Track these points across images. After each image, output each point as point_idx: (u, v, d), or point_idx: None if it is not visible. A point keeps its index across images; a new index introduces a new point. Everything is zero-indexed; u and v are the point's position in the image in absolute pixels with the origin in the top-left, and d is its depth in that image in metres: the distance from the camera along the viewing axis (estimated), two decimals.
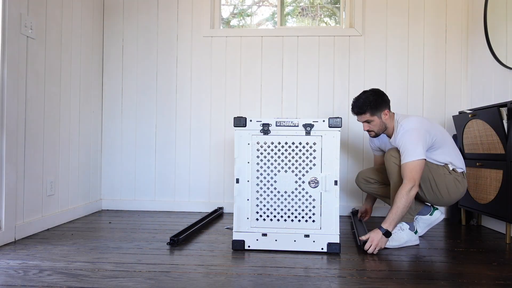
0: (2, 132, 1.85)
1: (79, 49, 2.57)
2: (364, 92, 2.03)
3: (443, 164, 1.94)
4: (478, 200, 2.20)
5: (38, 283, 1.34)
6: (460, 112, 2.39)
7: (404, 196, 1.76)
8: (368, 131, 2.05)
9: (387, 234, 1.78)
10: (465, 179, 1.96)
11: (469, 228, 2.38)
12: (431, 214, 2.07)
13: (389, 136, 2.05)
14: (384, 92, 2.04)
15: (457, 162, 1.95)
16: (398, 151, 1.91)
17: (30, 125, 2.07)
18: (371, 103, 1.96)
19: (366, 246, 1.76)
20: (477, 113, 2.14)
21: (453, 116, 2.44)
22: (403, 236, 1.88)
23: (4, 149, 1.85)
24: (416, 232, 1.95)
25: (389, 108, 2.01)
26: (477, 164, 2.19)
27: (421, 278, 1.45)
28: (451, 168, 1.93)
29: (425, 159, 1.83)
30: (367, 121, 2.00)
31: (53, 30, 2.27)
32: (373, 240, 1.76)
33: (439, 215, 2.08)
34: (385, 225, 1.77)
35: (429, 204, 2.08)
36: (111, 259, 1.63)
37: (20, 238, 1.98)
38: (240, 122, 1.83)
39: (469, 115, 2.22)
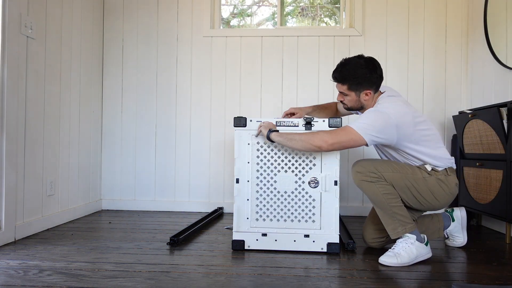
0: (2, 132, 1.85)
1: (79, 49, 2.57)
2: (358, 58, 1.72)
3: (419, 164, 1.68)
4: (478, 200, 2.20)
5: (38, 283, 1.34)
6: (460, 112, 2.39)
7: (312, 145, 1.60)
8: (341, 102, 1.81)
9: (272, 133, 1.71)
10: (451, 175, 1.67)
11: (469, 228, 2.37)
12: (453, 220, 1.87)
13: None
14: (380, 67, 1.73)
15: (438, 160, 1.67)
16: (364, 165, 1.67)
17: (30, 125, 2.07)
18: (355, 77, 1.69)
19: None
20: (477, 113, 2.14)
21: (453, 116, 2.44)
22: (412, 251, 1.60)
23: (4, 149, 1.85)
24: (427, 244, 1.66)
25: (375, 88, 1.73)
26: (477, 164, 2.19)
27: (421, 278, 1.45)
28: (429, 169, 1.66)
29: (366, 144, 1.60)
30: (343, 93, 1.76)
31: (53, 30, 2.27)
32: (261, 126, 1.77)
33: (459, 213, 1.87)
34: (275, 136, 1.69)
35: (442, 211, 1.91)
36: (111, 259, 1.63)
37: (20, 238, 1.98)
38: (240, 122, 1.83)
39: (469, 115, 2.22)
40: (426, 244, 1.65)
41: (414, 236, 1.63)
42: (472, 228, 2.37)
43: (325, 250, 1.77)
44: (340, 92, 1.78)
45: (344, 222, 2.38)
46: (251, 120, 1.84)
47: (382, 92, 1.78)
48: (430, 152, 1.66)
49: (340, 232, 1.85)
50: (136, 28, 2.90)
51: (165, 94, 2.89)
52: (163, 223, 2.42)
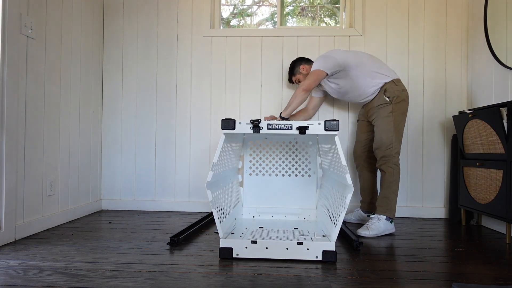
0: (2, 132, 1.85)
1: (79, 49, 2.57)
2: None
3: (374, 88, 2.20)
4: (478, 200, 2.20)
5: (38, 283, 1.34)
6: (460, 112, 2.39)
7: (301, 95, 2.20)
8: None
9: (281, 114, 2.27)
10: (398, 84, 2.19)
11: (469, 228, 2.38)
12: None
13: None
14: (297, 59, 2.50)
15: (383, 70, 2.22)
16: (384, 153, 2.19)
17: (30, 125, 2.07)
18: (289, 71, 2.53)
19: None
20: (477, 113, 2.14)
21: (453, 116, 2.45)
22: (380, 226, 2.12)
23: (4, 149, 1.85)
24: (391, 222, 2.14)
25: (306, 62, 2.45)
26: (477, 164, 2.19)
27: (421, 278, 1.45)
28: (387, 99, 2.16)
29: (326, 73, 2.22)
30: (298, 81, 2.49)
31: (53, 30, 2.27)
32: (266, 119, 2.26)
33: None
34: (284, 114, 2.24)
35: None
36: (111, 259, 1.63)
37: (20, 238, 1.98)
38: (228, 124, 1.69)
39: (469, 115, 2.22)
40: (391, 222, 2.14)
41: (384, 217, 2.13)
42: (472, 228, 2.37)
43: (320, 258, 1.64)
44: (298, 82, 2.51)
45: (345, 221, 2.37)
46: (240, 123, 1.70)
47: None
48: (373, 67, 2.22)
49: (341, 232, 1.85)
50: (136, 28, 2.90)
51: (165, 94, 2.89)
52: (163, 223, 2.43)
